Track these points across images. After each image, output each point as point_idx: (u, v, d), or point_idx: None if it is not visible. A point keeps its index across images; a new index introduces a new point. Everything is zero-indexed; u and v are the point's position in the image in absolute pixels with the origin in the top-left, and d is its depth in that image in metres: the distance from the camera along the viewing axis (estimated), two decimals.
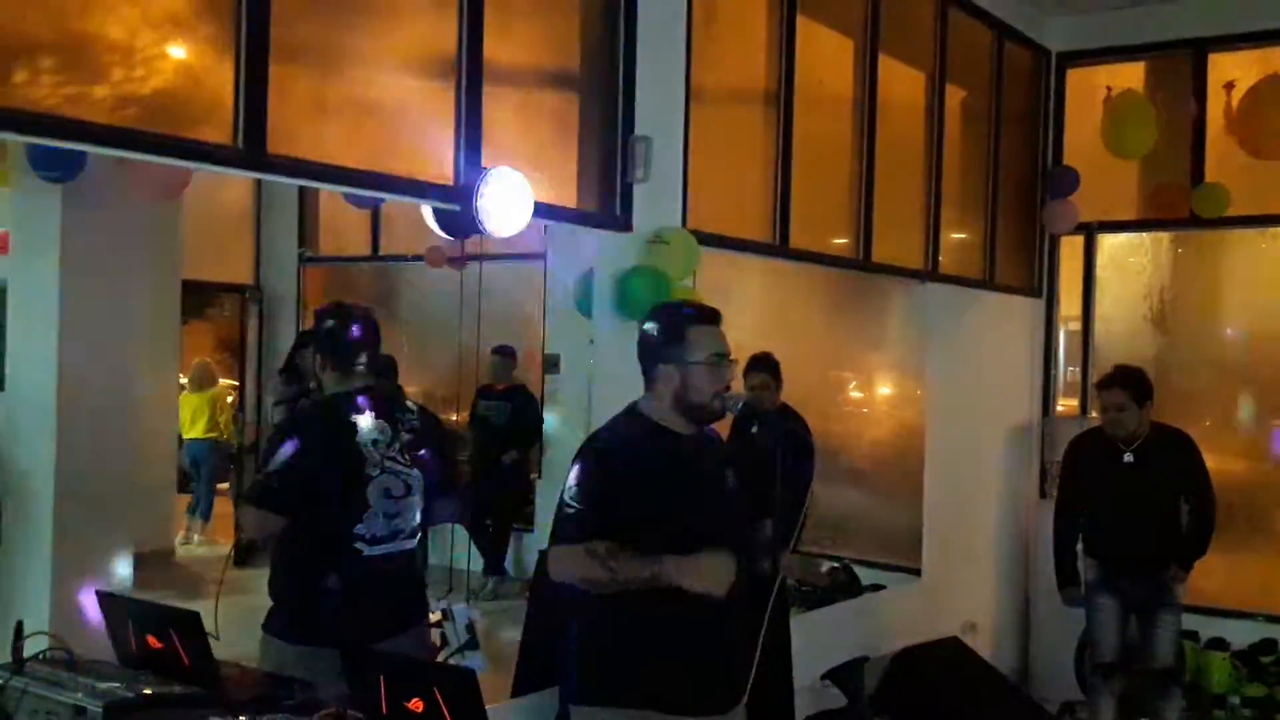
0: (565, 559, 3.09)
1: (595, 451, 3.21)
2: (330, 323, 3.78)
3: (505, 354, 8.76)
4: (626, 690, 3.14)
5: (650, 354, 3.23)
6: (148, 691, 2.64)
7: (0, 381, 5.89)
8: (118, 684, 2.66)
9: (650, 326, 3.27)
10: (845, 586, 7.08)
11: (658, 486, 3.12)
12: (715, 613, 3.07)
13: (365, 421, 3.61)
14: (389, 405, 3.73)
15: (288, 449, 3.60)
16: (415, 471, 3.69)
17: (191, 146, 3.11)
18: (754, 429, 5.96)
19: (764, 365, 5.99)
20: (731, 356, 3.29)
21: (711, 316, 3.28)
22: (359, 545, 3.53)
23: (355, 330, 3.72)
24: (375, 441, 3.60)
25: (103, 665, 2.86)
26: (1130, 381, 5.51)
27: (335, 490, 3.54)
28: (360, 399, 3.65)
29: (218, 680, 2.75)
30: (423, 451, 3.73)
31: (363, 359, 3.70)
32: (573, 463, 3.22)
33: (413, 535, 3.69)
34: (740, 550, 3.25)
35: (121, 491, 5.96)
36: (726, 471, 3.36)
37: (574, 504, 3.11)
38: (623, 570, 2.98)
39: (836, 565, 7.24)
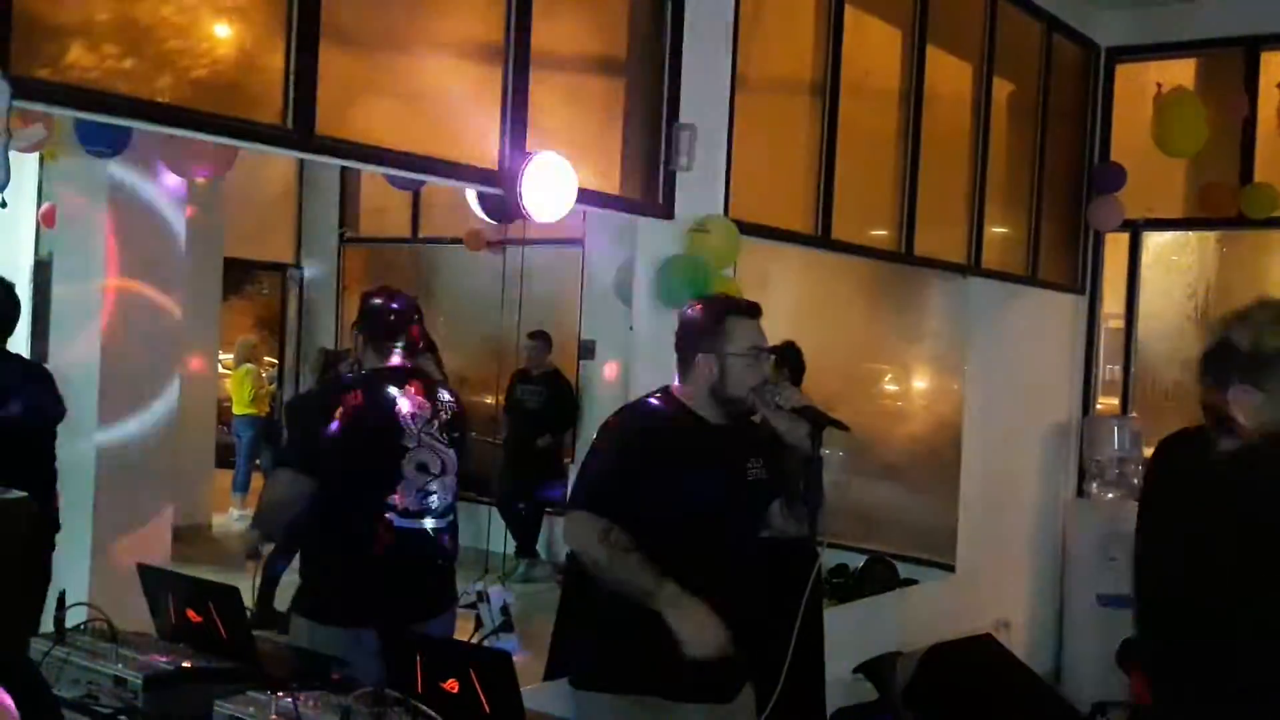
0: (579, 526, 3.07)
1: (624, 422, 3.25)
2: (375, 303, 3.85)
3: (540, 339, 8.79)
4: (625, 675, 3.12)
5: (689, 343, 3.21)
6: (187, 664, 2.67)
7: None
8: (157, 656, 2.69)
9: (691, 315, 3.27)
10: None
11: (675, 467, 3.10)
12: (717, 600, 3.00)
13: (405, 396, 3.67)
14: (429, 385, 3.78)
15: (325, 415, 3.64)
16: (451, 452, 3.73)
17: (244, 126, 3.16)
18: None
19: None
20: (767, 350, 3.28)
21: (752, 310, 3.25)
22: (390, 516, 3.58)
23: (397, 311, 3.80)
24: (414, 416, 3.66)
25: (142, 637, 2.89)
26: None
27: (372, 458, 3.59)
28: (401, 374, 3.71)
29: (255, 655, 2.78)
30: (458, 433, 3.77)
31: (402, 339, 3.77)
32: (601, 428, 3.26)
33: (443, 515, 3.70)
34: (753, 542, 3.24)
35: (161, 466, 6.02)
36: (751, 462, 3.27)
37: (594, 467, 3.15)
38: (620, 569, 2.97)
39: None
